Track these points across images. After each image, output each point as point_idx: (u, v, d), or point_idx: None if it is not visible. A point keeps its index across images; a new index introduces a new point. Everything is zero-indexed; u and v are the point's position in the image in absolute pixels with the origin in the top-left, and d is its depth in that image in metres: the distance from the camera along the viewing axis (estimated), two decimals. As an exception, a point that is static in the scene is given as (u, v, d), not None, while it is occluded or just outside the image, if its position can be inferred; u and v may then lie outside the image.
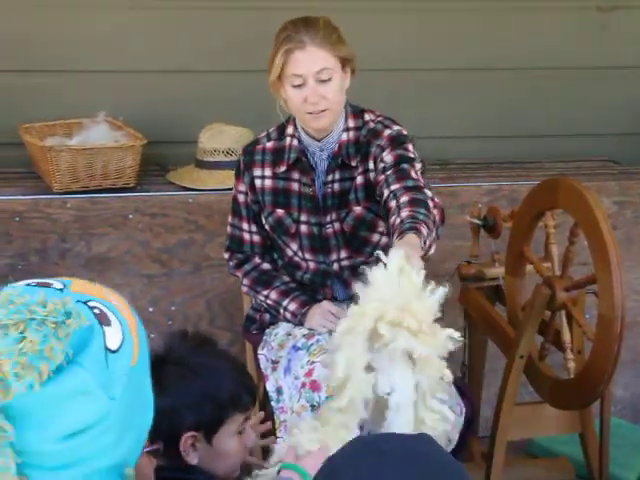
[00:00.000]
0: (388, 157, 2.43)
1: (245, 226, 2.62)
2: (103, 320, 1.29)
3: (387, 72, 3.48)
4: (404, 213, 2.23)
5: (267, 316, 2.64)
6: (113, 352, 1.27)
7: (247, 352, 2.83)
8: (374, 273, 1.94)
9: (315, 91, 2.40)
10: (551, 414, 2.70)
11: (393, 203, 2.31)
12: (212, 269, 3.16)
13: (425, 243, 2.15)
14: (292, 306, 2.53)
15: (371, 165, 2.48)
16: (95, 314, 1.28)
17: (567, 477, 2.94)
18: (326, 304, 2.49)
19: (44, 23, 3.31)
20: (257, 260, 2.63)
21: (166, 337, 1.93)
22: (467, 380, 2.92)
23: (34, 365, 1.21)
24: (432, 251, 2.26)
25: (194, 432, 1.83)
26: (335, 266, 2.56)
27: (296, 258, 2.59)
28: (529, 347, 2.59)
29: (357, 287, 1.95)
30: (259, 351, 2.61)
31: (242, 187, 2.60)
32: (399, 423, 1.85)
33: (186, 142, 3.31)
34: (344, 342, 1.90)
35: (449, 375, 1.94)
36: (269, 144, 2.56)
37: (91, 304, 1.29)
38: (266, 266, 2.62)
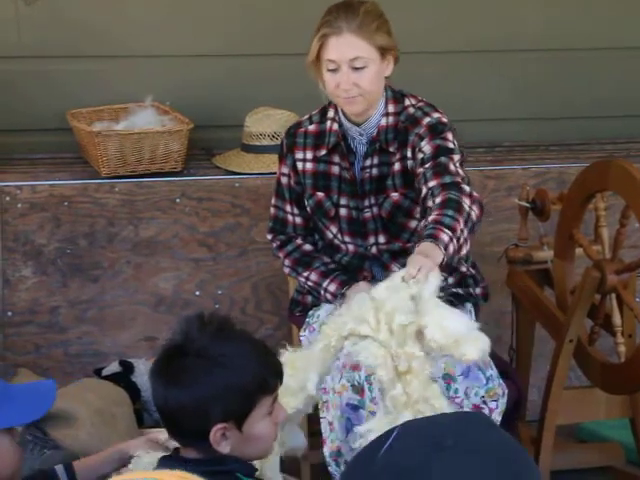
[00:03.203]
0: (427, 147, 2.41)
1: (288, 208, 2.63)
2: None
3: (428, 55, 3.45)
4: (431, 217, 2.22)
5: (309, 298, 2.64)
6: None
7: (293, 335, 2.84)
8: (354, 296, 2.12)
9: (348, 78, 2.39)
10: (601, 398, 2.68)
11: (430, 203, 2.29)
12: (258, 253, 3.17)
13: (447, 247, 2.14)
14: (332, 287, 2.53)
15: (409, 153, 2.47)
16: None
17: (617, 462, 2.91)
18: (363, 285, 2.48)
19: (91, 10, 3.33)
20: (299, 241, 2.63)
21: (182, 322, 1.86)
22: (515, 364, 2.89)
23: None
24: (464, 251, 2.24)
25: (223, 423, 1.79)
26: (374, 249, 2.56)
27: (336, 241, 2.59)
28: (579, 331, 2.57)
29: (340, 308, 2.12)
30: (301, 333, 2.62)
31: (285, 169, 2.61)
32: None
33: (232, 126, 3.32)
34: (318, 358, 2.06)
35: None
36: (311, 127, 2.57)
37: None
38: (307, 247, 2.63)
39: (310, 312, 2.63)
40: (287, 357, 2.06)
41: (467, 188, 2.33)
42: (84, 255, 3.11)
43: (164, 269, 3.16)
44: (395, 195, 2.50)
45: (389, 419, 1.96)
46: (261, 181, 3.15)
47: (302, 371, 2.05)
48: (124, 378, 2.92)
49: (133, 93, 3.31)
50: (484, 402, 2.35)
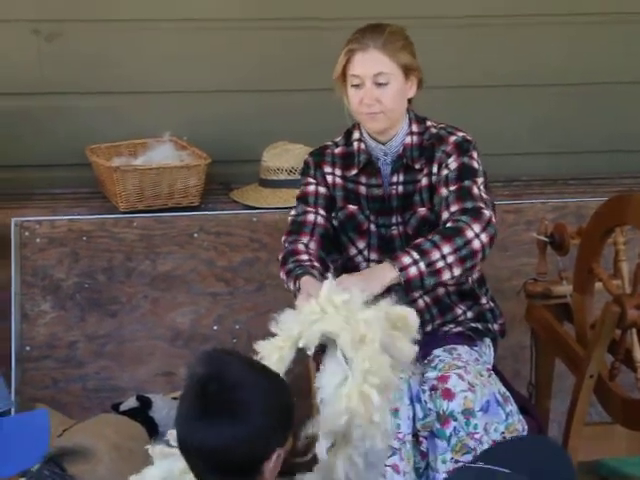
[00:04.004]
0: (453, 164, 2.46)
1: (311, 209, 2.56)
2: None
3: (448, 89, 3.46)
4: (419, 239, 2.35)
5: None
6: None
7: (310, 370, 2.82)
8: (282, 315, 2.17)
9: (371, 93, 2.45)
10: (622, 434, 2.65)
11: None
12: (276, 287, 3.16)
13: (405, 269, 2.29)
14: (291, 285, 2.46)
15: (435, 169, 2.50)
16: None
17: (639, 499, 2.87)
18: (305, 280, 2.38)
19: (108, 46, 3.37)
20: (302, 238, 2.51)
21: (204, 360, 1.83)
22: (534, 399, 2.87)
23: None
24: (447, 276, 2.33)
25: (281, 448, 1.80)
26: None
27: (359, 258, 2.56)
28: (599, 366, 2.55)
29: (271, 325, 2.16)
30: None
31: (312, 180, 2.58)
32: (325, 415, 2.04)
33: (250, 161, 3.33)
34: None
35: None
36: (337, 150, 2.59)
37: None
38: (300, 246, 2.50)
39: (328, 347, 2.61)
40: None
41: (487, 213, 2.38)
42: (102, 290, 3.12)
43: (182, 304, 3.16)
44: (422, 210, 2.51)
45: (344, 369, 2.07)
46: (279, 215, 3.15)
47: None
48: (141, 413, 2.91)
49: (151, 128, 3.34)
50: (504, 438, 2.33)
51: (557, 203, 3.31)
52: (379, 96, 2.44)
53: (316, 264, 2.46)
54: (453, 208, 2.40)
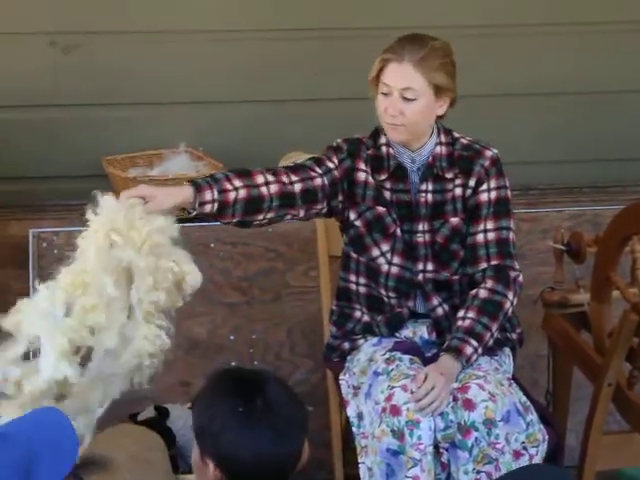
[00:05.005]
0: (493, 194, 2.52)
1: (318, 170, 2.48)
2: None
3: (462, 98, 3.46)
4: (467, 320, 2.44)
5: (346, 344, 2.63)
6: None
7: (328, 380, 2.83)
8: (104, 200, 2.18)
9: (396, 105, 2.43)
10: (641, 443, 2.65)
11: (477, 290, 2.49)
12: (292, 297, 3.17)
13: (469, 359, 2.41)
14: None
15: (472, 182, 2.52)
16: None
17: (659, 509, 2.86)
18: (184, 188, 2.41)
19: (124, 57, 3.38)
20: (281, 176, 2.43)
21: (238, 381, 1.84)
22: (552, 408, 2.87)
23: None
24: (491, 342, 2.47)
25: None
26: (420, 276, 2.54)
27: (381, 259, 2.54)
28: (617, 375, 2.54)
29: (88, 213, 2.17)
30: (341, 377, 2.60)
31: (335, 161, 2.50)
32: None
33: (265, 171, 3.34)
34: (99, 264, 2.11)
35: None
36: (369, 152, 2.55)
37: None
38: (260, 178, 2.44)
39: (349, 357, 2.61)
40: (66, 279, 2.14)
41: (517, 273, 2.52)
42: (119, 300, 3.12)
43: (198, 314, 3.16)
44: (455, 220, 2.52)
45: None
46: (294, 226, 3.15)
47: (94, 284, 2.11)
48: (159, 423, 2.91)
49: (167, 139, 3.35)
50: (524, 448, 2.33)
51: (573, 211, 3.31)
52: (404, 109, 2.42)
53: (230, 196, 2.39)
54: (493, 262, 2.50)
